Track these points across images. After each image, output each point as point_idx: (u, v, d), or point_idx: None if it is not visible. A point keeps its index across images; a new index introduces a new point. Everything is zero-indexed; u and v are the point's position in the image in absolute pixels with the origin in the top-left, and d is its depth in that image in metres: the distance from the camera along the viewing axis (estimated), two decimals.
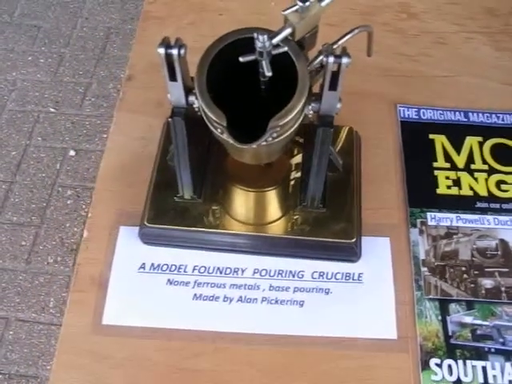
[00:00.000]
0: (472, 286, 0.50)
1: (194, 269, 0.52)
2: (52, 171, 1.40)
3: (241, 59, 0.37)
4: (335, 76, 0.40)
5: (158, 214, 0.52)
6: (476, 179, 0.57)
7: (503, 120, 0.61)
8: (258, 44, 0.36)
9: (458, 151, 0.59)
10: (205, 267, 0.52)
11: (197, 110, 0.44)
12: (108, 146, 0.61)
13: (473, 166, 0.58)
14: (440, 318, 0.49)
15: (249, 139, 0.40)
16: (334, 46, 0.42)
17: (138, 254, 0.52)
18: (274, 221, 0.53)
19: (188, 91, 0.43)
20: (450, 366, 0.46)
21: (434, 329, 0.48)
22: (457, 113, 0.62)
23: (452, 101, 0.64)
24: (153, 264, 0.52)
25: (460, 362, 0.47)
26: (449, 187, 0.56)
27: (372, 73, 0.64)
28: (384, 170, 0.58)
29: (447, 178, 0.57)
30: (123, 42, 1.65)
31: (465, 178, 0.57)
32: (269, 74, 0.37)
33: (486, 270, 0.51)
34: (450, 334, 0.48)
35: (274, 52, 0.37)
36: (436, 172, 0.57)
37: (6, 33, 1.65)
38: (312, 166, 0.47)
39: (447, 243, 0.53)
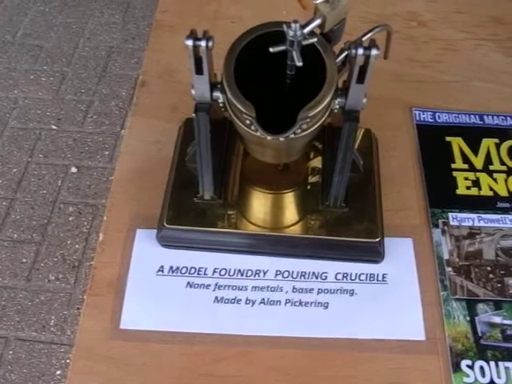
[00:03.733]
0: (499, 285, 0.49)
1: (214, 271, 0.50)
2: (53, 188, 1.39)
3: (271, 49, 0.37)
4: (363, 68, 0.40)
5: (178, 215, 0.51)
6: (495, 180, 0.56)
7: None
8: (290, 33, 0.36)
9: (476, 153, 0.59)
10: (225, 269, 0.50)
11: (221, 105, 0.43)
12: (122, 150, 0.60)
13: (491, 167, 0.57)
14: (468, 318, 0.48)
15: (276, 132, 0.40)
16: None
17: (156, 257, 0.51)
18: (296, 222, 0.52)
19: (212, 86, 0.43)
20: (482, 368, 0.45)
21: (463, 329, 0.47)
22: (472, 116, 0.62)
23: (465, 105, 0.64)
24: (171, 267, 0.51)
25: (492, 363, 0.45)
26: (468, 188, 0.56)
27: (386, 78, 0.64)
28: (402, 171, 0.58)
29: (466, 178, 0.57)
30: (125, 60, 1.67)
31: (484, 178, 0.57)
32: (299, 63, 0.37)
33: None
34: (480, 334, 0.47)
35: (304, 43, 0.37)
36: (455, 173, 0.57)
37: (8, 52, 1.66)
38: (336, 163, 0.46)
39: (470, 243, 0.52)
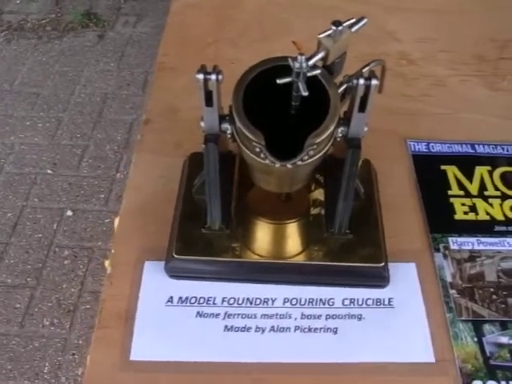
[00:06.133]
0: (503, 306, 0.50)
1: (223, 300, 0.51)
2: (49, 231, 1.38)
3: (278, 81, 0.39)
4: (364, 98, 0.42)
5: (186, 245, 0.52)
6: (491, 205, 0.59)
7: (508, 151, 0.64)
8: (296, 65, 0.38)
9: (470, 180, 0.61)
10: (234, 298, 0.51)
11: (229, 136, 0.45)
12: (128, 185, 0.61)
13: (486, 193, 0.60)
14: (476, 339, 0.48)
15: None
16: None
17: (165, 288, 0.52)
18: (302, 250, 0.53)
19: (220, 118, 0.45)
20: None
21: (472, 350, 0.48)
22: (464, 145, 0.65)
23: (456, 135, 0.67)
24: (181, 297, 0.51)
25: (503, 383, 0.46)
26: (466, 213, 0.58)
27: (381, 111, 0.67)
28: (401, 199, 0.60)
29: (463, 204, 0.59)
30: (119, 106, 1.70)
31: (480, 204, 0.59)
32: (305, 93, 0.39)
33: None
34: (489, 354, 0.47)
35: (309, 74, 0.40)
36: (452, 199, 0.59)
37: (5, 100, 1.69)
38: (340, 190, 0.48)
39: (472, 266, 0.53)
